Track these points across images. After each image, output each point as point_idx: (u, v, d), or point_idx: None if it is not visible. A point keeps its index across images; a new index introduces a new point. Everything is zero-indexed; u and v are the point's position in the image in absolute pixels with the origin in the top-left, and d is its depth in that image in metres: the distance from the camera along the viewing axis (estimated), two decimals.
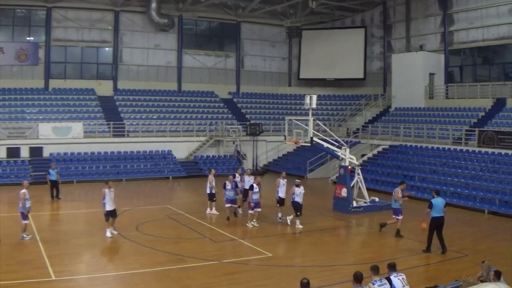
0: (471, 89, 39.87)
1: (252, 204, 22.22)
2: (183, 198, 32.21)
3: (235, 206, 24.19)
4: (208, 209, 25.15)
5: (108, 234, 19.83)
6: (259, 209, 22.59)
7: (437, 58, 42.55)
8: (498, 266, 12.50)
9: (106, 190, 19.89)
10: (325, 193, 31.00)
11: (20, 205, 19.45)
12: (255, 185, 22.47)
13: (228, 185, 23.47)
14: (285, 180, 23.83)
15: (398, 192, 20.68)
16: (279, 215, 23.56)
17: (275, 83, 53.13)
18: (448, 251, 17.93)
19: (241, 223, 23.18)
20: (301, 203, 22.31)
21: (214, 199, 25.02)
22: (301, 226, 22.32)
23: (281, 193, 23.47)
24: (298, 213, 22.34)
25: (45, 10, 42.49)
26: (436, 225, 17.84)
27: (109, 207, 19.92)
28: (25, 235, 19.50)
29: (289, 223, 22.61)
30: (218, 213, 24.67)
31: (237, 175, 25.25)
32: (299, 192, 22.21)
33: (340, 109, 49.30)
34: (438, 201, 17.91)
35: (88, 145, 38.42)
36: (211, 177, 24.96)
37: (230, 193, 23.52)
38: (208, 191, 24.99)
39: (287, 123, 30.39)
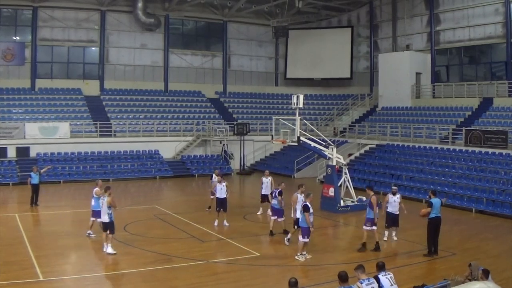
0: (458, 89, 40.06)
1: (312, 229, 17.32)
2: (171, 198, 32.14)
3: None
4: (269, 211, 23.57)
5: (110, 250, 17.45)
6: (307, 240, 17.22)
7: (423, 57, 42.75)
8: (486, 265, 12.57)
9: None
10: (312, 192, 30.94)
11: (93, 203, 19.47)
12: (309, 204, 17.28)
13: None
14: (301, 194, 19.59)
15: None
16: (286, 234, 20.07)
17: (262, 82, 53.11)
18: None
19: (230, 223, 23.07)
20: (395, 213, 19.72)
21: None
22: (395, 238, 20.08)
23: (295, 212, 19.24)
24: (386, 224, 19.97)
25: (31, 10, 42.11)
26: (436, 225, 17.82)
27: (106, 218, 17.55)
28: (90, 232, 19.68)
29: (385, 238, 20.03)
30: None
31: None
32: (393, 201, 19.72)
33: (327, 108, 49.41)
34: (436, 201, 17.93)
35: (74, 145, 38.20)
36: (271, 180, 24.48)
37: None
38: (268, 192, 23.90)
39: (274, 122, 30.29)
